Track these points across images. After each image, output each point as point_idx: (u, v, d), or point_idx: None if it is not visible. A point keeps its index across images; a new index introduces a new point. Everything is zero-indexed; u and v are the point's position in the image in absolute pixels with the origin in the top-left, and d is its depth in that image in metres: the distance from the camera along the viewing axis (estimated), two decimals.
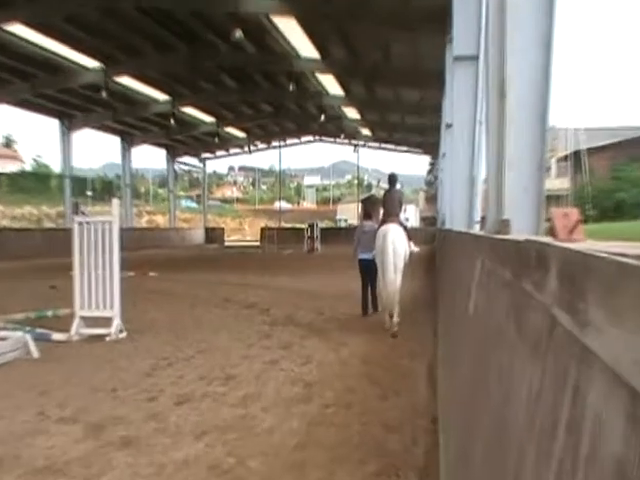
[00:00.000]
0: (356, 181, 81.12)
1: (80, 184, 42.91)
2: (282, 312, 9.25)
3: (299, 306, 9.95)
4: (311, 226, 30.70)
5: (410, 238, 8.49)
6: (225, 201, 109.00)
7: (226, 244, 44.08)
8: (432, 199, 56.53)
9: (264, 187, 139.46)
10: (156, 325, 8.04)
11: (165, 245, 36.16)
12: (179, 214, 65.53)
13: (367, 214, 9.55)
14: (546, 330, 1.08)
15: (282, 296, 11.40)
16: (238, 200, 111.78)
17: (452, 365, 3.39)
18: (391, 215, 8.56)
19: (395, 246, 8.04)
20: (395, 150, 46.96)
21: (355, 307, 9.43)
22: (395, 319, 7.47)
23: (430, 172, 62.97)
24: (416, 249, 8.66)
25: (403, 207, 9.08)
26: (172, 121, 30.98)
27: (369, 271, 8.68)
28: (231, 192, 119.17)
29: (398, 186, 9.00)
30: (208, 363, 5.80)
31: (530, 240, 1.39)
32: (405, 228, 8.60)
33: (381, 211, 8.81)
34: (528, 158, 2.84)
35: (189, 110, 32.31)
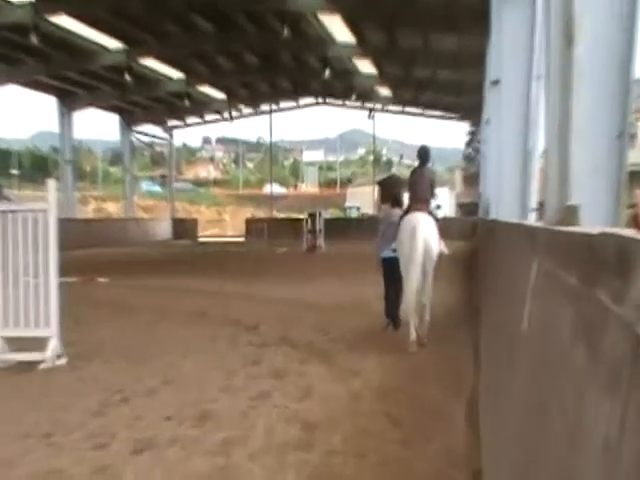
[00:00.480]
0: (371, 157, 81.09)
1: (2, 159, 43.04)
2: (274, 330, 9.27)
3: (296, 322, 9.96)
4: (312, 216, 30.74)
5: (441, 234, 8.55)
6: (199, 184, 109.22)
7: (200, 240, 44.27)
8: (472, 180, 56.62)
9: (250, 165, 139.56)
10: (107, 348, 8.06)
11: (119, 241, 36.26)
12: (138, 201, 65.55)
13: (395, 200, 9.67)
14: (629, 355, 1.07)
15: (274, 309, 11.39)
16: (216, 183, 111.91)
17: (499, 400, 3.38)
18: (420, 201, 8.62)
19: (428, 245, 8.13)
20: (423, 115, 47.04)
21: (370, 322, 9.44)
22: (424, 331, 8.01)
23: (469, 144, 62.93)
24: (446, 251, 8.74)
25: (435, 191, 9.18)
26: (127, 77, 31.04)
27: (397, 273, 8.72)
28: (207, 172, 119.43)
29: (430, 164, 9.03)
30: (177, 398, 5.81)
31: (607, 233, 1.37)
32: (435, 220, 8.69)
33: (405, 196, 8.84)
34: (603, 123, 2.80)
35: (150, 62, 32.33)
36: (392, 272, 8.82)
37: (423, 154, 8.95)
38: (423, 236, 8.04)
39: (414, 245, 7.95)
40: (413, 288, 7.89)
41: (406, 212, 8.62)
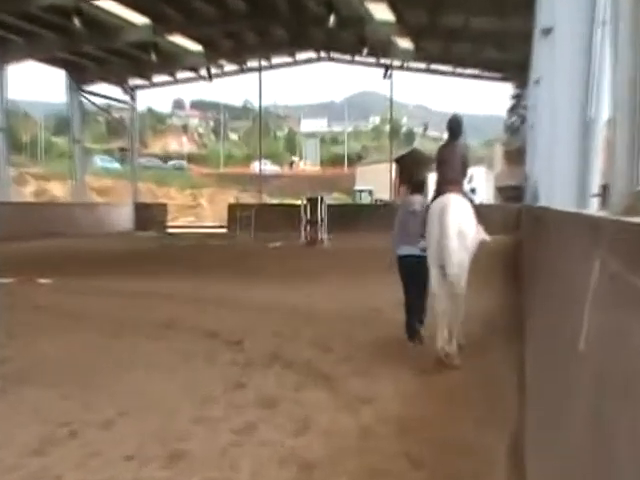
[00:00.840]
0: (388, 127, 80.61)
1: None
2: (263, 345, 9.28)
3: (291, 335, 9.97)
4: (312, 202, 30.76)
5: (479, 220, 8.72)
6: (169, 160, 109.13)
7: (170, 231, 44.30)
8: (516, 157, 56.62)
9: (234, 137, 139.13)
10: (50, 367, 8.07)
11: (66, 232, 36.33)
12: (91, 180, 65.26)
13: (414, 183, 9.83)
14: None
15: (263, 318, 11.42)
16: (191, 158, 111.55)
17: (553, 434, 3.38)
18: (451, 183, 8.76)
19: (462, 230, 8.29)
20: (453, 75, 47.03)
21: (385, 335, 9.51)
22: (454, 345, 8.12)
23: (513, 111, 62.67)
24: (488, 238, 8.94)
25: (469, 172, 9.32)
26: (76, 22, 30.95)
27: (418, 275, 8.96)
28: (179, 145, 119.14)
29: (462, 138, 9.15)
30: (139, 431, 5.81)
31: None
32: (471, 203, 8.85)
33: (430, 178, 8.94)
34: None
35: (106, 4, 32.23)
36: (414, 274, 9.00)
37: (454, 126, 9.08)
38: (455, 219, 8.20)
39: (445, 230, 8.13)
40: (449, 282, 8.21)
41: (436, 195, 8.74)
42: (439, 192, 8.71)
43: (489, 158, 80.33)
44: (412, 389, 7.20)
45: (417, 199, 9.40)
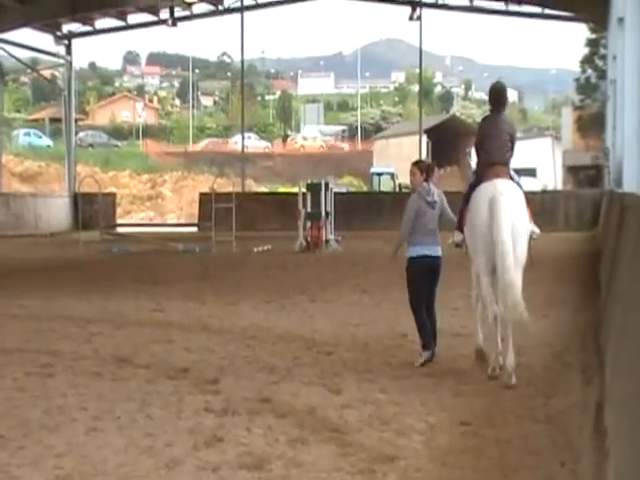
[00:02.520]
0: (416, 87, 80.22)
1: None
2: (247, 385, 9.34)
3: (285, 371, 10.03)
4: (313, 190, 30.66)
5: (530, 211, 9.60)
6: (119, 134, 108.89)
7: (120, 230, 44.18)
8: (593, 125, 56.69)
9: (207, 103, 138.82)
10: None
11: None
12: (11, 162, 65.09)
13: (427, 168, 10.64)
14: None
15: (246, 349, 11.51)
16: (149, 132, 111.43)
17: None
18: (497, 163, 9.61)
19: (514, 223, 9.10)
20: (506, 14, 46.95)
21: (410, 369, 9.78)
22: (511, 359, 9.14)
23: (588, 63, 62.58)
24: (537, 230, 9.83)
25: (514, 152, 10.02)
26: None
27: (436, 279, 10.37)
28: (132, 114, 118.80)
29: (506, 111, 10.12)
30: None
31: None
32: (521, 189, 9.71)
33: (471, 157, 9.40)
34: None
35: None
36: (429, 276, 10.27)
37: (498, 95, 10.00)
38: (509, 209, 9.02)
39: (498, 221, 8.93)
40: (507, 282, 8.99)
41: (479, 178, 9.61)
42: (482, 175, 9.55)
43: (556, 127, 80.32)
44: (451, 444, 7.18)
45: (433, 188, 10.32)
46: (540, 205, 38.29)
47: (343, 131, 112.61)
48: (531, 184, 59.92)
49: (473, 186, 9.76)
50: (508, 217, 8.98)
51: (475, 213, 9.31)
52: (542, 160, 70.48)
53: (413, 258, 10.15)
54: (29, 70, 64.21)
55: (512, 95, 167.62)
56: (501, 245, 8.94)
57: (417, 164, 10.79)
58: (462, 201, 10.19)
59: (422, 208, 10.14)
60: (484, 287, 9.59)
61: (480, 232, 9.23)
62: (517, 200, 9.23)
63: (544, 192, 43.78)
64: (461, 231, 10.17)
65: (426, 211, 10.10)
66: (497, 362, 9.50)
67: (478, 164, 10.04)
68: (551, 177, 66.37)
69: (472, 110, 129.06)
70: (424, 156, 54.69)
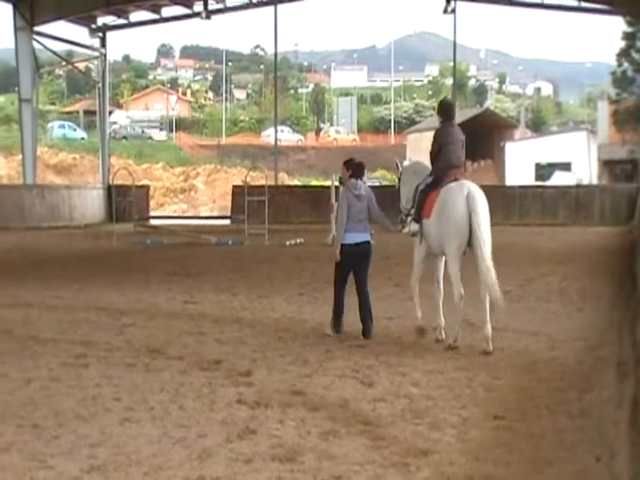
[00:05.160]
0: (450, 80, 79.87)
1: None
2: (279, 378, 9.40)
3: (318, 364, 10.08)
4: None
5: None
6: (151, 126, 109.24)
7: (153, 223, 44.17)
8: (628, 118, 56.26)
9: (241, 96, 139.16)
10: None
11: (11, 224, 36.49)
12: (45, 154, 65.52)
13: (355, 166, 12.63)
14: None
15: (279, 342, 11.55)
16: (182, 125, 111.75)
17: None
18: (455, 166, 11.61)
19: (488, 217, 11.00)
20: (540, 6, 46.62)
21: (444, 364, 9.72)
22: (488, 329, 10.80)
23: (625, 56, 62.02)
24: None
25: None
26: None
27: (367, 262, 12.28)
28: (165, 106, 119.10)
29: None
30: None
31: None
32: None
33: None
34: None
35: None
36: (362, 261, 12.17)
37: (448, 110, 12.14)
38: (485, 207, 10.88)
39: (480, 221, 10.79)
40: (488, 266, 10.74)
41: (433, 183, 11.42)
42: (441, 177, 11.38)
43: (591, 121, 79.78)
44: (484, 438, 7.19)
45: (360, 183, 12.30)
46: (575, 199, 38.23)
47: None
48: (566, 178, 59.58)
49: (430, 185, 11.45)
50: (486, 212, 10.87)
51: (451, 207, 10.88)
52: (577, 154, 70.12)
53: (345, 245, 12.05)
54: (64, 63, 64.43)
55: (547, 88, 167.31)
56: (482, 235, 10.77)
57: (346, 163, 12.77)
58: (417, 197, 11.67)
59: (351, 201, 12.05)
60: (455, 269, 11.07)
61: (456, 223, 10.81)
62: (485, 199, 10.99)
63: (579, 186, 43.64)
64: (416, 222, 11.64)
65: (355, 203, 12.04)
66: (440, 333, 11.58)
67: (437, 167, 11.59)
68: (586, 171, 65.94)
69: (506, 104, 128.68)
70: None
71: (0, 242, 30.29)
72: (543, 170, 71.10)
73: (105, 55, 49.12)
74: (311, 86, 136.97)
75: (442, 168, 11.50)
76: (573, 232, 35.22)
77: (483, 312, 10.90)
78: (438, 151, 11.66)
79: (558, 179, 61.39)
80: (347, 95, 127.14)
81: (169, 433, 7.26)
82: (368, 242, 12.15)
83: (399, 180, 12.82)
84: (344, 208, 12.08)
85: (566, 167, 68.74)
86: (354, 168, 12.57)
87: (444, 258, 11.54)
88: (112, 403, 8.29)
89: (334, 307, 12.32)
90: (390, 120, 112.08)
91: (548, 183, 59.21)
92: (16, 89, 45.53)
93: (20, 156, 45.88)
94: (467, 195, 10.83)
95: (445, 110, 12.14)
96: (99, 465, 6.43)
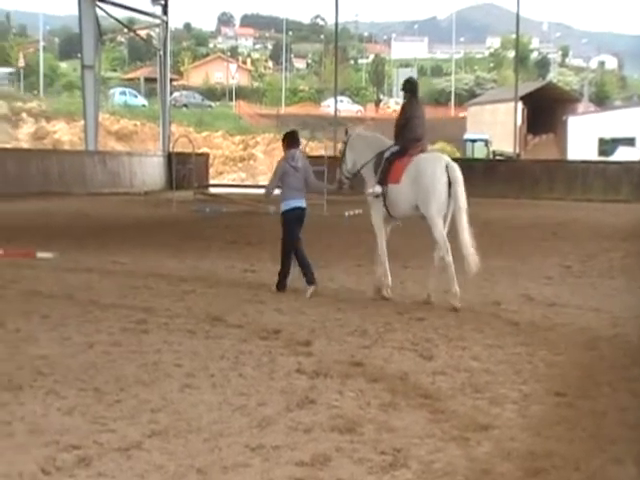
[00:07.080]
0: (512, 52, 79.15)
1: None
2: (338, 349, 9.46)
3: (377, 335, 10.14)
4: None
5: None
6: (212, 95, 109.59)
7: (213, 191, 44.30)
8: None
9: (300, 66, 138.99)
10: (51, 371, 8.22)
11: (73, 189, 36.77)
12: (107, 121, 65.83)
13: (292, 139, 13.75)
14: None
15: (338, 313, 11.61)
16: (242, 94, 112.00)
17: None
18: (421, 138, 12.82)
19: (463, 191, 12.20)
20: None
21: (505, 338, 9.68)
22: (456, 288, 12.00)
23: None
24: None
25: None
26: None
27: (300, 224, 13.44)
28: (225, 75, 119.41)
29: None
30: (173, 461, 5.88)
31: None
32: None
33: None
34: None
35: None
36: (300, 224, 13.38)
37: (412, 86, 13.36)
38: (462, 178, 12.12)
39: (458, 189, 12.02)
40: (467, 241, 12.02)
41: (398, 152, 12.60)
42: (408, 148, 12.56)
43: None
44: (545, 414, 7.17)
45: (298, 154, 13.48)
46: (639, 176, 37.96)
47: None
48: (630, 154, 58.82)
49: (396, 154, 12.60)
50: (462, 182, 12.07)
51: (431, 175, 12.08)
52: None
53: (286, 211, 13.26)
54: (126, 30, 64.72)
55: (611, 62, 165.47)
56: (461, 202, 12.04)
57: (285, 136, 13.96)
58: (382, 162, 12.71)
59: (288, 170, 13.23)
60: (439, 227, 12.14)
61: (437, 189, 12.02)
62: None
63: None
64: (380, 184, 12.63)
65: (292, 173, 13.21)
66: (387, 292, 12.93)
67: (403, 138, 12.73)
68: None
69: (569, 77, 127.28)
70: (519, 123, 54.06)
71: (62, 207, 30.61)
72: (606, 145, 70.22)
73: (166, 23, 49.34)
74: (371, 57, 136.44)
75: (409, 139, 12.73)
76: (637, 209, 34.91)
77: (450, 274, 12.03)
78: (405, 123, 12.89)
79: (622, 154, 60.63)
80: (407, 66, 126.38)
81: (229, 400, 7.31)
82: (304, 208, 13.45)
83: (345, 144, 13.84)
84: (277, 176, 13.49)
85: (630, 142, 67.82)
86: (288, 139, 13.74)
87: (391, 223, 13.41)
88: (173, 369, 8.40)
89: (281, 268, 13.30)
90: (450, 92, 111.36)
91: (611, 158, 58.63)
92: (79, 56, 45.76)
93: (82, 122, 46.18)
94: (446, 166, 12.13)
95: (409, 87, 13.40)
96: (160, 430, 6.50)
